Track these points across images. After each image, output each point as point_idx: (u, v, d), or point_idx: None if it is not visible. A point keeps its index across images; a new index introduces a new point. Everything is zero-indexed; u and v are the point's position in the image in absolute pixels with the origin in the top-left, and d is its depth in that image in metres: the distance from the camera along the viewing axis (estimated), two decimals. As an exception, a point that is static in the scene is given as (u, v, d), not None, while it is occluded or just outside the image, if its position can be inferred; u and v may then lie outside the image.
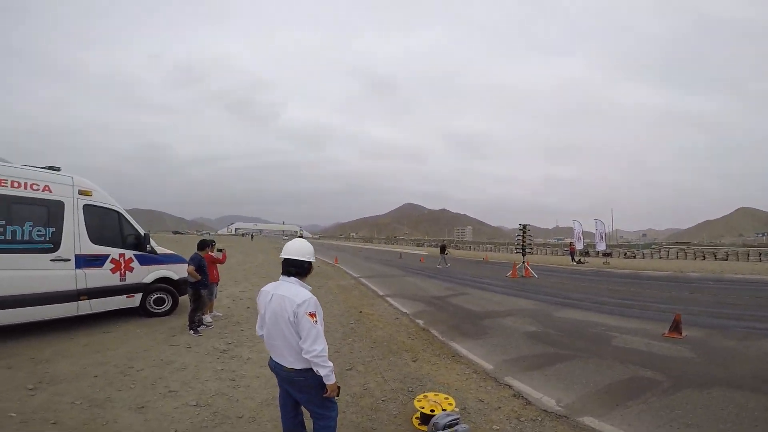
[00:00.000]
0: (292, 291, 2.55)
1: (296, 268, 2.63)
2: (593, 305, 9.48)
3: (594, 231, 30.07)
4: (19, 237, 5.37)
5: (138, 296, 6.85)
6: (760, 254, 27.15)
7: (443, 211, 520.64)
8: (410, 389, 4.12)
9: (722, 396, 3.85)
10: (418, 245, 76.99)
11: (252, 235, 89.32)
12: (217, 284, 7.20)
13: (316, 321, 2.46)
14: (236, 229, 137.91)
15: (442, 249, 24.32)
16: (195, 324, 6.16)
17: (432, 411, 3.16)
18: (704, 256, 30.01)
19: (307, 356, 2.43)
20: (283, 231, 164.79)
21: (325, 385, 2.53)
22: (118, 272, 6.50)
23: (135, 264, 6.77)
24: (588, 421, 3.44)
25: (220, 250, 7.35)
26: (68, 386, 3.99)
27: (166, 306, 7.26)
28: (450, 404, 3.32)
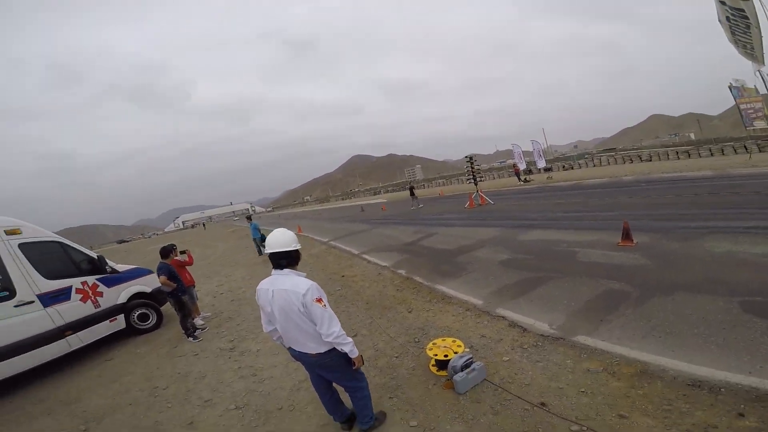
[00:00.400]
0: (291, 283, 2.63)
1: (286, 260, 2.69)
2: (550, 222, 10.27)
3: (532, 150, 31.94)
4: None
5: (120, 317, 6.64)
6: (678, 152, 30.69)
7: (391, 155, 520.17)
8: (417, 340, 4.44)
9: (686, 300, 4.18)
10: (375, 194, 77.56)
11: (204, 224, 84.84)
12: (194, 286, 7.08)
13: (324, 305, 2.58)
14: (183, 222, 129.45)
15: (411, 191, 25.13)
16: (190, 330, 6.11)
17: (446, 356, 3.48)
18: (632, 160, 33.34)
19: (328, 339, 2.58)
20: (233, 212, 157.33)
21: (350, 359, 2.71)
22: (89, 300, 6.20)
23: (102, 288, 6.47)
24: (582, 339, 3.80)
25: (183, 252, 7.13)
26: (113, 419, 4.00)
27: (152, 320, 7.10)
28: (459, 346, 3.65)
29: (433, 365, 3.71)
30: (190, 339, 6.03)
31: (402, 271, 7.92)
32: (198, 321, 6.63)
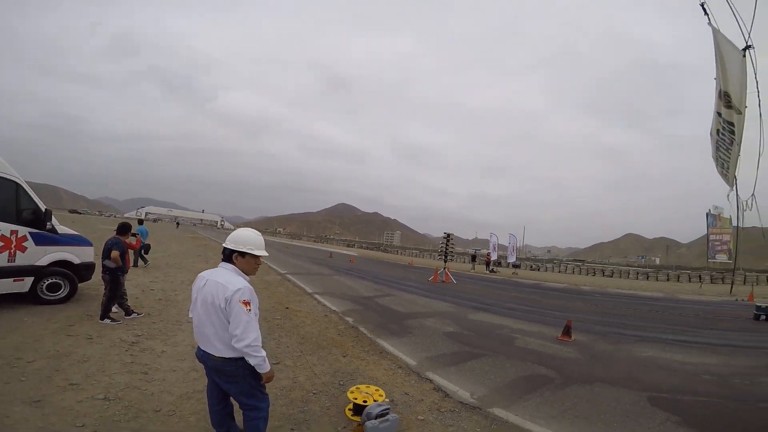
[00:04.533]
0: (227, 278, 2.47)
1: (225, 256, 2.56)
2: (502, 310, 10.67)
3: (507, 244, 33.31)
4: None
5: (28, 280, 6.04)
6: (638, 273, 33.31)
7: (376, 214, 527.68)
8: (341, 383, 4.32)
9: (602, 391, 4.60)
10: (348, 245, 77.20)
11: (178, 223, 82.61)
12: (126, 272, 6.62)
13: (249, 309, 2.40)
14: (147, 214, 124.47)
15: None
16: (109, 313, 5.69)
17: (365, 402, 3.41)
18: (594, 272, 35.34)
19: (238, 345, 2.36)
20: (201, 219, 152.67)
21: (255, 374, 2.51)
22: (7, 251, 5.70)
23: (29, 243, 5.96)
24: (497, 411, 3.94)
25: (134, 235, 6.75)
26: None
27: (62, 293, 6.47)
28: (381, 395, 3.59)
29: (349, 409, 3.60)
30: (106, 320, 5.59)
31: (350, 319, 7.86)
32: (114, 309, 6.02)
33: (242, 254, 2.55)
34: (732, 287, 19.54)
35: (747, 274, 26.99)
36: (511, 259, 33.57)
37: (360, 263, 26.54)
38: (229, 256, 2.56)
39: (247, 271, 2.60)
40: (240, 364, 2.47)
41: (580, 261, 49.28)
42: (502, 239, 34.04)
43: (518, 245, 36.58)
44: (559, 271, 38.13)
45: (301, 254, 30.70)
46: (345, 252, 45.49)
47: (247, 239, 2.59)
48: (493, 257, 33.05)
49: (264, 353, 2.46)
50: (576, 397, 4.35)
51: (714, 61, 10.31)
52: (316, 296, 10.41)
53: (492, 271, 29.96)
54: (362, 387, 3.77)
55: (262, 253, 2.60)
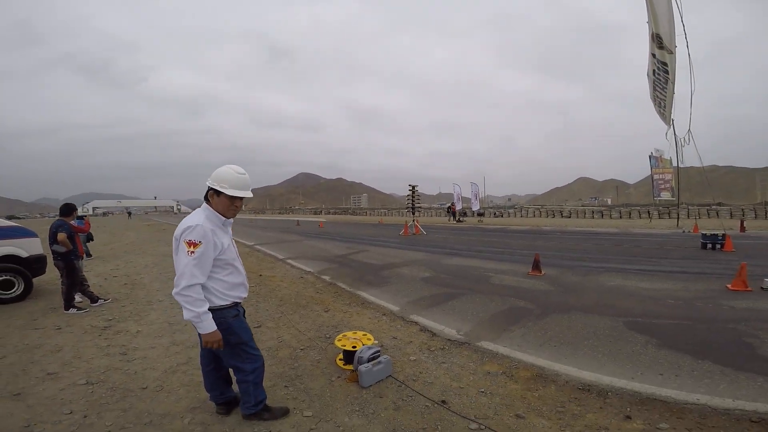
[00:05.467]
0: (190, 216, 2.23)
1: (208, 192, 2.27)
2: (473, 253, 10.98)
3: (470, 195, 34.13)
4: None
5: None
6: (593, 212, 36.15)
7: (340, 180, 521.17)
8: (327, 336, 4.23)
9: (580, 319, 4.71)
10: (315, 213, 76.18)
11: (130, 213, 78.47)
12: (82, 258, 6.12)
13: (192, 252, 2.06)
14: (94, 209, 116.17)
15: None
16: (73, 302, 5.32)
17: (354, 347, 3.32)
18: (554, 215, 37.39)
19: (173, 291, 2.09)
20: (155, 207, 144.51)
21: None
22: None
23: None
24: (485, 344, 4.00)
25: (81, 218, 6.20)
26: None
27: (16, 290, 5.94)
28: (369, 339, 3.52)
29: (340, 359, 3.51)
30: (72, 310, 5.23)
31: (326, 277, 7.77)
32: (77, 298, 5.67)
33: (217, 193, 2.23)
34: (678, 220, 21.30)
35: (690, 208, 29.55)
36: (475, 208, 34.57)
37: (329, 227, 26.42)
38: (206, 195, 2.28)
39: (223, 213, 2.29)
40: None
41: (539, 205, 51.80)
42: (465, 191, 34.77)
43: (480, 195, 37.62)
44: (522, 216, 39.89)
45: (266, 226, 30.09)
46: (313, 219, 44.97)
47: (222, 176, 2.24)
48: (458, 207, 33.86)
49: (202, 309, 2.11)
50: (557, 326, 4.50)
51: (645, 4, 10.43)
52: (289, 261, 10.24)
53: (459, 220, 30.78)
54: (349, 334, 3.68)
55: (239, 193, 2.26)
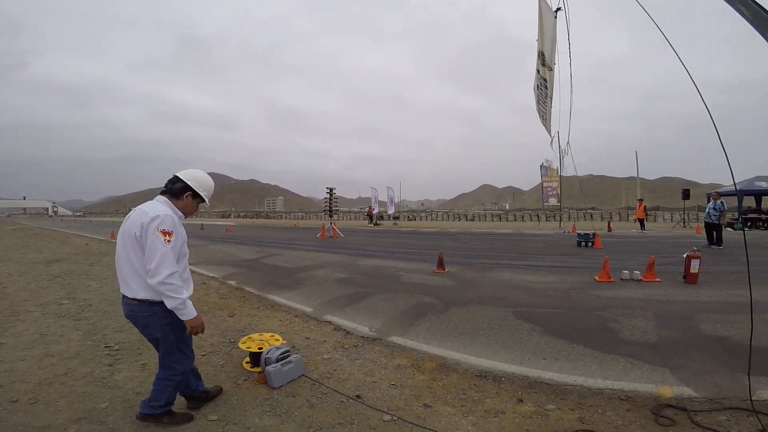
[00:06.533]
0: (152, 206, 2.21)
1: (170, 186, 2.30)
2: (386, 254, 11.36)
3: (386, 197, 35.19)
4: None
5: None
6: (493, 216, 40.91)
7: (252, 181, 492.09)
8: (232, 340, 3.96)
9: (476, 311, 5.08)
10: (224, 216, 70.63)
11: None
12: None
13: (168, 241, 2.08)
14: None
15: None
16: None
17: (260, 349, 3.15)
18: (460, 218, 41.07)
19: (151, 281, 2.04)
20: (24, 208, 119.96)
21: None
22: None
23: None
24: (395, 339, 4.14)
25: None
26: None
27: None
28: (277, 340, 3.37)
29: (246, 362, 3.30)
30: None
31: (232, 282, 7.27)
32: None
33: (194, 195, 2.35)
34: (560, 222, 24.74)
35: (571, 212, 35.43)
36: (391, 211, 35.76)
37: (238, 231, 24.84)
38: (170, 190, 2.31)
39: (185, 211, 2.37)
40: (156, 309, 2.18)
41: (448, 209, 56.11)
42: (381, 195, 35.71)
43: (396, 200, 39.07)
44: (433, 219, 42.67)
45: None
46: (220, 222, 41.69)
47: (204, 184, 2.41)
48: (375, 211, 34.61)
49: (185, 295, 2.16)
50: (457, 318, 4.84)
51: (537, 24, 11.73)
52: (190, 267, 9.30)
53: (376, 224, 31.46)
54: (255, 336, 3.48)
55: (207, 199, 2.45)
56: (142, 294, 2.14)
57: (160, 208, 2.19)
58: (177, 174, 2.33)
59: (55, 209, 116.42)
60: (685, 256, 6.41)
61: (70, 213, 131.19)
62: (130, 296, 2.17)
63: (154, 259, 2.05)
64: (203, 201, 2.41)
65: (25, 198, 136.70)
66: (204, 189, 2.38)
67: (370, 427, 2.50)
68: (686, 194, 21.43)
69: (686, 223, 22.05)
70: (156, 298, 2.14)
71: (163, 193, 2.33)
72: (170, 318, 2.20)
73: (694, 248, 6.50)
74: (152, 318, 2.19)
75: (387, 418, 2.63)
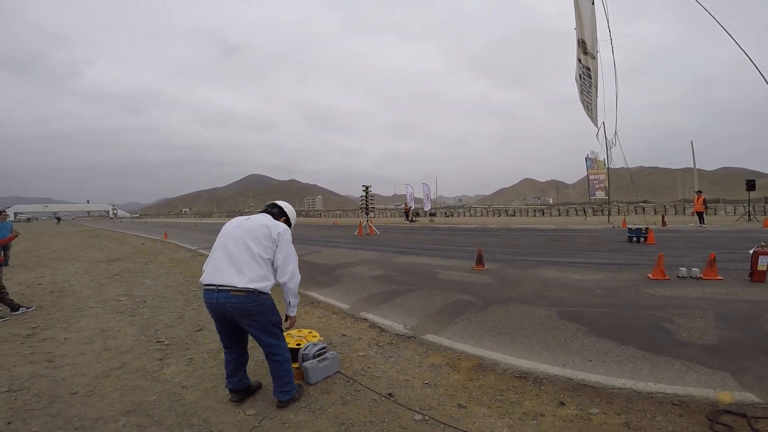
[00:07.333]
0: (273, 222, 2.68)
1: (275, 211, 2.84)
2: (423, 251, 11.29)
3: (422, 196, 34.97)
4: None
5: None
6: (535, 211, 38.95)
7: (293, 182, 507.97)
8: (274, 336, 4.14)
9: (517, 309, 4.91)
10: (265, 215, 73.50)
11: (58, 218, 71.16)
12: (2, 265, 5.70)
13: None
14: (16, 214, 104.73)
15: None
16: (13, 303, 5.21)
17: (298, 345, 3.25)
18: (500, 213, 39.46)
19: (290, 282, 2.55)
20: (88, 212, 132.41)
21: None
22: None
23: None
24: (430, 337, 4.09)
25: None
26: None
27: None
28: (315, 336, 3.45)
29: (285, 358, 3.42)
30: (23, 309, 5.19)
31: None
32: None
33: (288, 223, 2.88)
34: (609, 217, 23.33)
35: (620, 205, 33.19)
36: (427, 208, 35.44)
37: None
38: (272, 212, 2.84)
39: None
40: (264, 298, 2.48)
41: (487, 205, 54.62)
42: (417, 191, 35.53)
43: (432, 196, 38.69)
44: (471, 215, 41.55)
45: (211, 230, 28.57)
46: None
47: (292, 211, 3.01)
48: (411, 207, 34.50)
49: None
50: (496, 317, 4.68)
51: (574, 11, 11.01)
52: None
53: (411, 220, 31.35)
54: (293, 332, 3.58)
55: (292, 225, 2.96)
56: (254, 284, 2.41)
57: (283, 225, 2.70)
58: (276, 202, 2.94)
59: (116, 211, 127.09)
60: (751, 252, 5.84)
61: (128, 215, 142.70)
62: (240, 286, 2.39)
63: (291, 263, 2.58)
64: (290, 226, 2.89)
65: (88, 201, 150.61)
66: (292, 217, 2.97)
67: (401, 426, 2.49)
68: (751, 185, 19.52)
69: (752, 216, 19.99)
70: (265, 290, 2.49)
71: (265, 212, 2.82)
72: (272, 308, 2.57)
73: (762, 243, 5.88)
74: (262, 305, 2.49)
75: (419, 417, 2.61)
